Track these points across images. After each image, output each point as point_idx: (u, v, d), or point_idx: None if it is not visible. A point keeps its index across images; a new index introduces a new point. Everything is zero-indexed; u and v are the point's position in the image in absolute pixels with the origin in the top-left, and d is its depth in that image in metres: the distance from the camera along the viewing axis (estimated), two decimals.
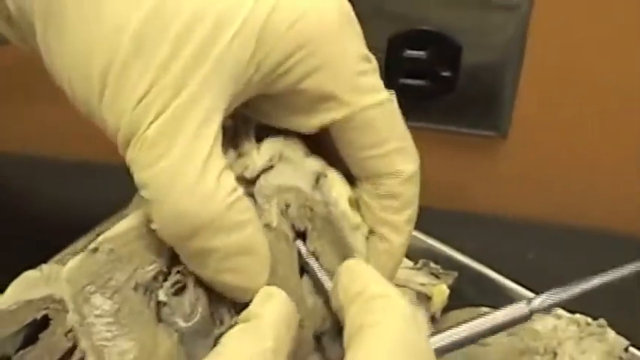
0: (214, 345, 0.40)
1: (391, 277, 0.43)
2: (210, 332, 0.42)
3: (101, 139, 0.83)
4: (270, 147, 0.42)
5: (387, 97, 0.41)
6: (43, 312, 0.48)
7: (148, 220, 0.40)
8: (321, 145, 0.44)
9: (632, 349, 0.51)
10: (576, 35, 0.76)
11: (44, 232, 0.68)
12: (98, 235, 0.52)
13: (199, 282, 0.41)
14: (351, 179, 0.44)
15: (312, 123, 0.42)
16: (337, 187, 0.41)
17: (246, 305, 0.40)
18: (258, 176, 0.42)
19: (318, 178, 0.42)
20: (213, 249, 0.38)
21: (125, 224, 0.41)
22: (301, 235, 0.42)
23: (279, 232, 0.42)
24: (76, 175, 0.80)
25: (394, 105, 0.42)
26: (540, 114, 0.79)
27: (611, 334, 0.50)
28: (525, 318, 0.41)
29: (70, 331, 0.48)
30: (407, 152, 0.42)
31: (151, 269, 0.41)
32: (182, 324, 0.41)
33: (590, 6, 0.75)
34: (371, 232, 0.42)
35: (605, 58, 0.77)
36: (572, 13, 0.75)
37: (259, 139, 0.43)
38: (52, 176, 0.80)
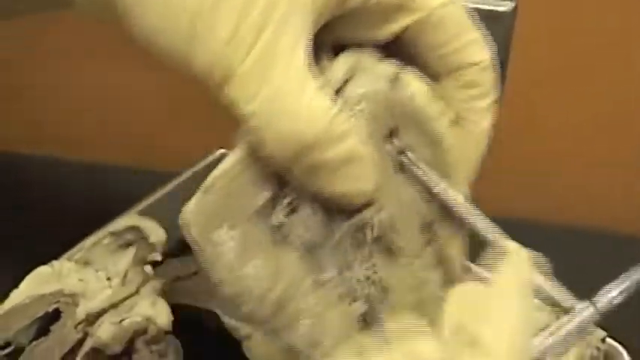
0: (335, 252, 0.43)
1: (478, 161, 0.45)
2: (326, 243, 0.43)
3: (104, 142, 0.88)
4: (346, 60, 0.43)
5: None
6: (54, 306, 0.52)
7: (251, 152, 0.42)
8: (395, 51, 0.45)
9: (608, 340, 0.53)
10: (560, 44, 0.77)
11: (55, 231, 0.69)
12: (109, 232, 0.56)
13: (309, 200, 0.43)
14: (432, 77, 0.45)
15: (386, 31, 0.44)
16: (413, 83, 0.43)
17: (355, 210, 0.42)
18: (339, 89, 0.43)
19: (394, 80, 0.43)
20: (323, 163, 0.39)
21: (229, 161, 0.42)
22: (391, 134, 0.44)
23: (372, 135, 0.43)
24: (85, 175, 0.82)
25: (459, 2, 0.43)
26: (525, 123, 0.80)
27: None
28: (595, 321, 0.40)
29: (80, 323, 0.51)
30: (480, 42, 0.44)
31: (262, 197, 0.42)
32: (299, 241, 0.43)
33: (574, 16, 0.76)
34: (456, 120, 0.44)
35: (589, 67, 0.78)
36: (557, 22, 0.76)
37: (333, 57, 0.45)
38: (60, 177, 0.81)
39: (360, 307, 0.43)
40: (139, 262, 0.55)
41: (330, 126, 0.39)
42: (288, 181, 0.42)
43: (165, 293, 0.56)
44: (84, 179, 0.81)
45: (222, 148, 0.73)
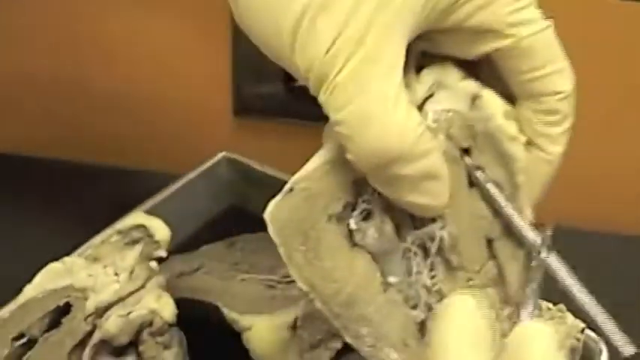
0: (403, 258, 0.45)
1: (547, 184, 0.46)
2: (397, 248, 0.45)
3: (110, 145, 0.86)
4: (429, 76, 0.43)
5: (545, 26, 0.43)
6: (65, 299, 0.53)
7: (335, 157, 0.43)
8: (476, 67, 0.45)
9: (587, 331, 0.52)
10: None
11: (67, 229, 0.70)
12: (117, 230, 0.57)
13: (383, 208, 0.44)
14: (510, 98, 0.45)
15: (475, 51, 0.44)
16: (492, 103, 0.44)
17: (425, 220, 0.44)
18: (422, 105, 0.44)
19: (474, 99, 0.44)
20: (405, 176, 0.40)
21: (313, 164, 0.43)
22: (465, 152, 0.45)
23: (447, 152, 0.44)
24: (94, 176, 0.83)
25: (551, 31, 0.44)
26: None
27: (570, 317, 0.50)
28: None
29: (90, 316, 0.53)
30: (565, 73, 0.44)
31: (340, 201, 0.43)
32: (372, 245, 0.44)
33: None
34: (530, 143, 0.45)
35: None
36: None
37: (417, 71, 0.45)
38: (73, 178, 0.83)
39: (420, 313, 0.45)
40: (145, 258, 0.56)
41: (416, 142, 0.40)
42: (365, 189, 0.44)
43: (169, 288, 0.57)
44: (94, 181, 0.82)
45: (225, 151, 0.75)
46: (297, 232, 0.42)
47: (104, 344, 0.53)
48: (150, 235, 0.56)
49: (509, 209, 0.45)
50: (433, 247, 0.44)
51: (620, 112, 0.78)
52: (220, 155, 0.73)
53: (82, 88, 0.85)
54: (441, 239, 0.44)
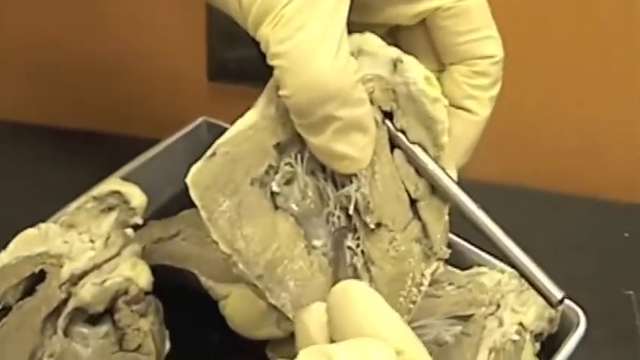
0: (327, 222, 0.46)
1: (473, 146, 0.47)
2: (320, 211, 0.46)
3: (88, 109, 0.85)
4: (350, 43, 0.43)
5: None
6: (40, 266, 0.53)
7: (259, 122, 0.44)
8: (394, 40, 0.48)
9: (566, 302, 0.53)
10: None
11: (42, 195, 0.70)
12: (93, 197, 0.56)
13: (306, 171, 0.45)
14: (436, 65, 0.47)
15: (413, 11, 0.45)
16: (414, 68, 0.45)
17: (344, 183, 0.45)
18: None
19: (395, 64, 0.45)
20: (337, 117, 0.41)
21: (236, 129, 0.44)
22: (388, 115, 0.46)
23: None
24: (71, 142, 0.82)
25: None
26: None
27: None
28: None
29: (64, 283, 0.52)
30: (497, 39, 0.46)
31: (263, 165, 0.44)
32: (295, 208, 0.45)
33: None
34: (458, 106, 0.47)
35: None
36: None
37: None
38: (49, 143, 0.82)
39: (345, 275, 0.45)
40: (121, 225, 0.56)
41: (354, 86, 0.41)
42: (288, 152, 0.45)
43: (146, 255, 0.58)
44: (71, 146, 0.81)
45: (204, 116, 0.74)
46: (220, 196, 0.43)
47: (79, 312, 0.53)
48: (126, 202, 0.56)
49: (432, 167, 0.46)
50: (351, 209, 0.45)
51: (537, 63, 0.78)
52: (200, 119, 0.72)
53: (59, 53, 0.84)
54: (356, 200, 0.45)
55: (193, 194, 0.43)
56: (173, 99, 0.84)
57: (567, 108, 0.80)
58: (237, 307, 0.57)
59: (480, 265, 0.59)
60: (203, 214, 0.43)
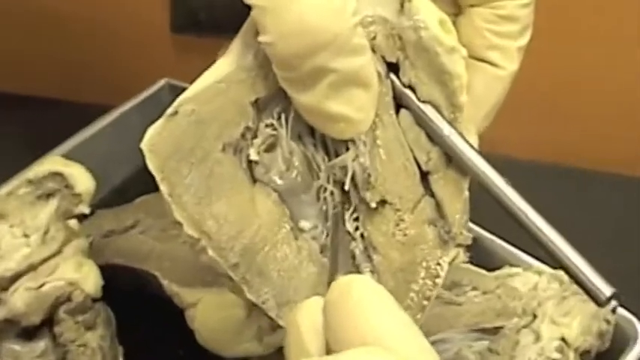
0: (317, 199, 0.44)
1: (497, 107, 0.46)
2: (309, 186, 0.44)
3: (30, 71, 0.86)
4: None
5: None
6: None
7: (232, 74, 0.43)
8: None
9: (620, 310, 0.53)
10: None
11: None
12: (27, 180, 0.54)
13: (292, 135, 0.44)
14: (452, 7, 0.46)
15: None
16: (425, 9, 0.43)
17: (339, 150, 0.43)
18: None
19: (402, 4, 0.44)
20: (331, 70, 0.40)
21: (204, 82, 0.43)
22: (393, 68, 0.44)
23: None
24: (13, 109, 0.81)
25: None
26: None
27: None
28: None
29: None
30: None
31: (238, 127, 0.42)
32: (278, 181, 0.44)
33: None
34: (478, 57, 0.45)
35: None
36: None
37: None
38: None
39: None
40: (63, 215, 0.54)
41: (352, 32, 0.40)
42: (270, 111, 0.43)
43: (94, 252, 0.56)
44: (12, 114, 0.80)
45: (166, 77, 0.73)
46: (184, 166, 0.41)
47: (10, 325, 0.52)
48: (68, 186, 0.55)
49: (447, 132, 0.44)
50: (347, 183, 0.44)
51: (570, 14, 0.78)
52: (162, 82, 0.71)
53: (2, 10, 0.84)
54: (354, 172, 0.44)
55: (151, 164, 0.41)
56: (129, 57, 0.83)
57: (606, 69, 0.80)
58: (209, 318, 0.56)
59: (511, 264, 0.58)
60: (164, 188, 0.41)
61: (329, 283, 0.38)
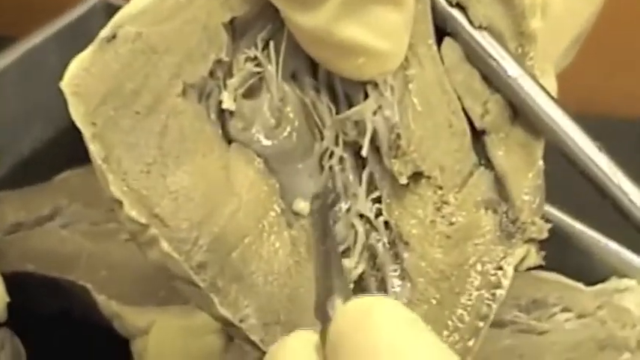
0: (320, 168, 0.40)
1: (584, 34, 0.44)
2: (308, 149, 0.41)
3: None
4: None
5: None
6: None
7: None
8: None
9: None
10: None
11: None
12: None
13: (283, 73, 0.41)
14: None
15: None
16: None
17: (352, 99, 0.40)
18: None
19: None
20: None
21: None
22: None
23: None
24: None
25: None
26: None
27: None
28: None
29: None
30: None
31: (205, 60, 0.39)
32: (265, 142, 0.40)
33: None
34: None
35: None
36: None
37: None
38: None
39: (353, 264, 0.41)
40: None
41: None
42: (251, 38, 0.40)
43: None
44: None
45: None
46: (125, 116, 0.38)
47: None
48: None
49: (513, 70, 0.41)
50: (365, 146, 0.40)
51: None
52: (94, 0, 0.66)
53: None
54: (375, 131, 0.40)
55: (76, 112, 0.37)
56: None
57: None
58: (168, 350, 0.52)
59: (620, 274, 0.53)
60: (95, 149, 0.37)
61: (318, 297, 0.35)
